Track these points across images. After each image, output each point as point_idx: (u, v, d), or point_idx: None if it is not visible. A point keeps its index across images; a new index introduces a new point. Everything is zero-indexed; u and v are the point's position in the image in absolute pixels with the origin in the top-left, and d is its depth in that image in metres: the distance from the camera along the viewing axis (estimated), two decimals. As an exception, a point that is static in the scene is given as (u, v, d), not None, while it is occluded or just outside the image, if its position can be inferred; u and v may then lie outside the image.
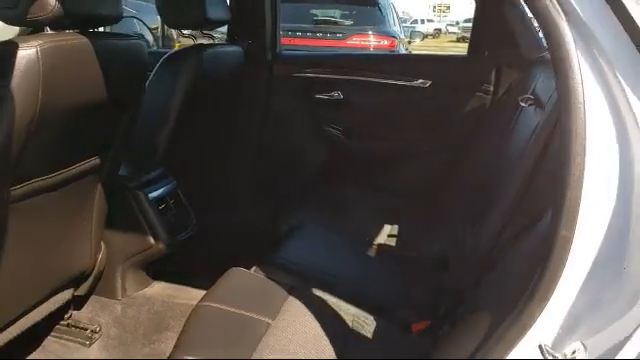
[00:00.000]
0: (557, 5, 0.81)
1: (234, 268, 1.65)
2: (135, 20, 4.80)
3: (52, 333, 1.92)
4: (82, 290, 1.90)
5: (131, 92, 1.72)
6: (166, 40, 5.41)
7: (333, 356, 1.37)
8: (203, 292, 1.56)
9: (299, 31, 6.85)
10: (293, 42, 6.52)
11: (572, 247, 0.82)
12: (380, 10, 7.56)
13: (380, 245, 2.07)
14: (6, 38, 1.34)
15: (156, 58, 2.12)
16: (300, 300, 1.54)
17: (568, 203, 0.81)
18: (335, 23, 7.61)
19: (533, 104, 1.73)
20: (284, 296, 1.55)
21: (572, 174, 0.81)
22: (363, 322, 1.54)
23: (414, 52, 8.30)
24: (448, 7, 32.65)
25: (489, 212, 1.69)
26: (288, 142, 2.67)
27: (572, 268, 0.82)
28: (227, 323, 1.43)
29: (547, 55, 1.45)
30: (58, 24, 1.42)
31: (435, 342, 1.36)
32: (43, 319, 1.77)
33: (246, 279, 1.64)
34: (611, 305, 0.80)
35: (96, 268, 1.88)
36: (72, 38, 1.42)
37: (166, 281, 2.05)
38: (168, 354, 1.37)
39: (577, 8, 0.80)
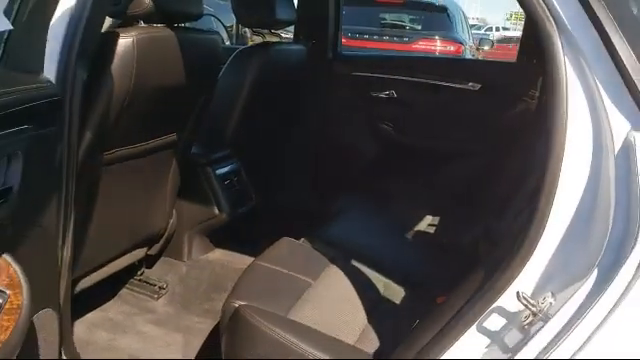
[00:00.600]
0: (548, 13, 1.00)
1: (285, 237, 1.87)
2: (212, 18, 5.12)
3: (127, 286, 2.22)
4: (154, 250, 2.19)
5: (206, 80, 1.99)
6: (240, 38, 5.71)
7: (364, 315, 1.57)
8: (257, 259, 1.79)
9: (366, 34, 7.03)
10: (359, 44, 6.69)
11: (548, 221, 1.01)
12: (448, 16, 7.63)
13: (418, 231, 2.25)
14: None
15: (229, 53, 2.38)
16: (339, 267, 1.74)
17: (547, 186, 1.01)
18: (403, 27, 7.75)
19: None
20: (326, 263, 1.76)
21: (552, 157, 1.00)
22: (393, 291, 1.73)
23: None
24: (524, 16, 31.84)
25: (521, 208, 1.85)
26: (343, 135, 2.84)
27: (547, 237, 1.02)
28: (274, 279, 1.64)
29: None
30: (150, 19, 1.71)
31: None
32: (120, 271, 2.07)
33: (294, 247, 1.86)
34: (576, 267, 0.98)
35: (167, 232, 2.17)
36: (161, 31, 1.71)
37: (226, 248, 2.34)
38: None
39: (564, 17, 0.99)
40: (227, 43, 5.18)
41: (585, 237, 0.99)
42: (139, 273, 2.25)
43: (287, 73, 2.61)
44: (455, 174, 2.74)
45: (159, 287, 2.22)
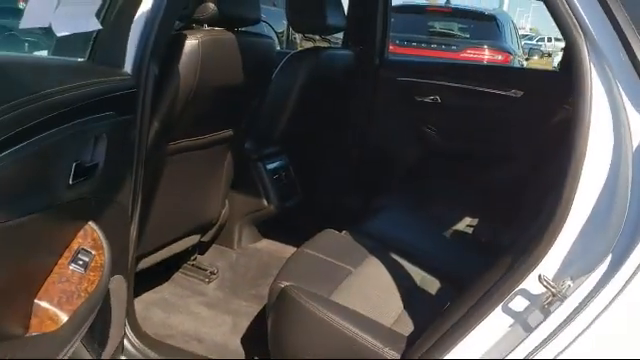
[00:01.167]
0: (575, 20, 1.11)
1: (328, 229, 2.00)
2: (264, 24, 5.32)
3: (180, 270, 2.39)
4: (207, 237, 2.36)
5: (260, 81, 2.14)
6: (290, 44, 5.90)
7: (400, 301, 1.68)
8: (302, 248, 1.92)
9: (414, 41, 7.10)
10: (407, 51, 6.76)
11: (570, 211, 1.11)
12: (497, 25, 7.62)
13: (457, 231, 2.34)
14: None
15: (281, 57, 2.52)
16: (378, 258, 1.85)
17: (569, 179, 1.11)
18: (452, 35, 7.77)
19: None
20: (366, 253, 1.87)
21: (575, 153, 1.10)
22: (429, 283, 1.83)
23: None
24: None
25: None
26: (387, 137, 2.93)
27: (569, 226, 1.12)
28: (318, 265, 1.76)
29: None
30: (213, 23, 1.87)
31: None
32: (174, 257, 2.24)
33: (337, 238, 1.98)
34: (594, 254, 1.08)
35: (220, 221, 2.34)
36: (223, 34, 1.87)
37: (273, 238, 2.51)
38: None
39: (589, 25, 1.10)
40: (278, 48, 5.36)
41: (604, 227, 1.09)
42: (192, 258, 2.42)
43: (335, 77, 2.73)
44: (495, 177, 2.80)
45: (210, 272, 2.38)
